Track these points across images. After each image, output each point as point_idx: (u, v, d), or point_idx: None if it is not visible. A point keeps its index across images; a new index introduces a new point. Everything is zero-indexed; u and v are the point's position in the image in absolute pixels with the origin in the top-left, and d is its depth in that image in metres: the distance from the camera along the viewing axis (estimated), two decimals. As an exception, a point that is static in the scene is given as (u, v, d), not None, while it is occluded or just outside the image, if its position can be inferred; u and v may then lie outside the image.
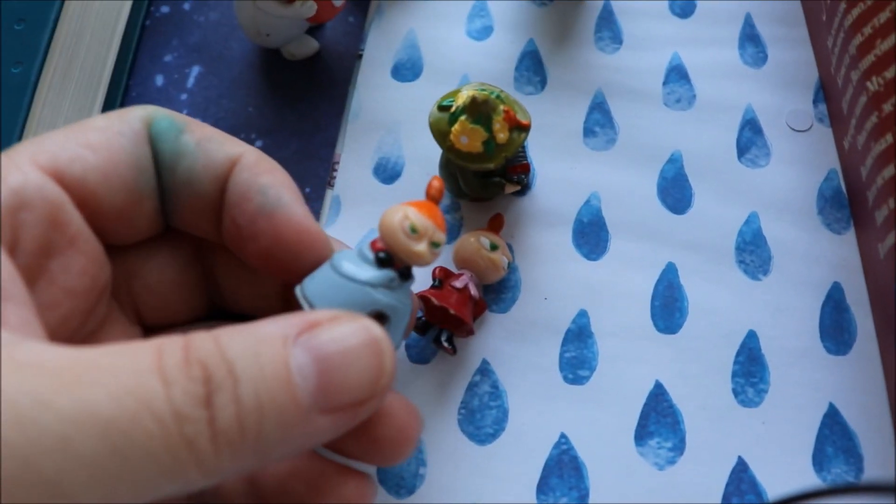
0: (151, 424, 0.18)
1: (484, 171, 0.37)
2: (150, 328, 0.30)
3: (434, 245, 0.26)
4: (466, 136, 0.34)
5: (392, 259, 0.26)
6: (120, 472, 0.18)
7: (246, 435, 0.20)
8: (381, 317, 0.25)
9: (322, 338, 0.22)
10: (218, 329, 0.21)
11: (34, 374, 0.18)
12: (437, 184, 0.28)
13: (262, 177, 0.27)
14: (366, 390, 0.22)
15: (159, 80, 0.45)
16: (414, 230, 0.26)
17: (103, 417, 0.18)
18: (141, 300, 0.29)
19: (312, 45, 0.45)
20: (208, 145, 0.27)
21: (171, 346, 0.20)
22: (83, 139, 0.25)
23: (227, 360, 0.20)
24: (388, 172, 0.41)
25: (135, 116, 0.27)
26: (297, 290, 0.26)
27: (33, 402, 0.18)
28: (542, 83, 0.44)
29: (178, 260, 0.30)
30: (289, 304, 0.29)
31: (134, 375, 0.19)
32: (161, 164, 0.27)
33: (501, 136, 0.34)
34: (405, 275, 0.26)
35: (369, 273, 0.25)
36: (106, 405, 0.18)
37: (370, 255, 0.26)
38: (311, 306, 0.25)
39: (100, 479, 0.18)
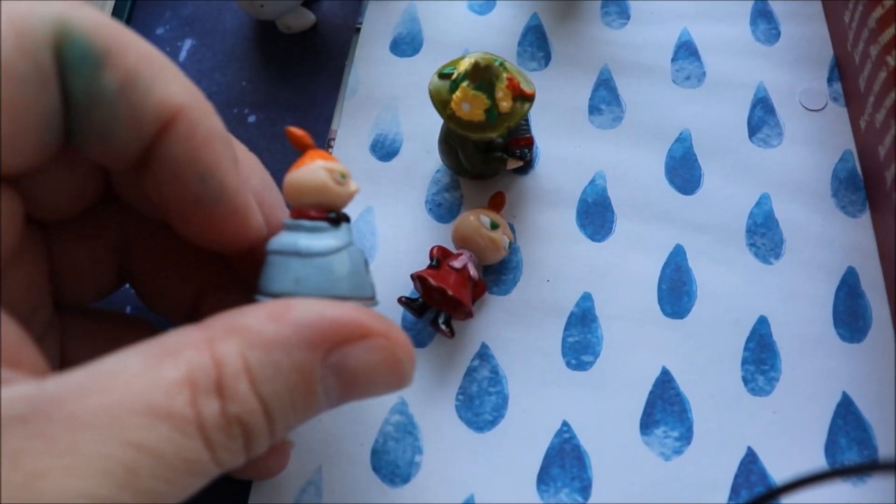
0: (196, 480, 0.19)
1: (486, 145, 0.35)
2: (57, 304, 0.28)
3: (336, 175, 0.26)
4: (468, 102, 0.33)
5: (338, 214, 0.26)
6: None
7: (269, 444, 0.22)
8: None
9: (349, 361, 0.22)
10: (243, 340, 0.21)
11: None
12: (296, 131, 0.26)
13: (202, 154, 0.23)
14: (385, 391, 0.24)
15: (150, 53, 0.44)
16: (343, 176, 0.26)
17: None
18: (57, 279, 0.28)
19: (309, 17, 0.44)
20: (134, 92, 0.22)
21: (204, 384, 0.20)
22: None
23: (264, 402, 0.20)
24: (385, 149, 0.40)
25: (40, 39, 0.20)
26: (260, 298, 0.25)
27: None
28: (546, 59, 0.42)
29: (97, 246, 0.28)
30: (198, 310, 0.30)
31: (171, 442, 0.19)
32: (72, 105, 0.22)
33: (504, 104, 0.33)
34: (347, 218, 0.26)
35: (335, 237, 0.25)
36: (151, 483, 0.18)
37: (313, 223, 0.25)
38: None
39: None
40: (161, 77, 0.22)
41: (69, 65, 0.21)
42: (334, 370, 0.22)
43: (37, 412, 0.18)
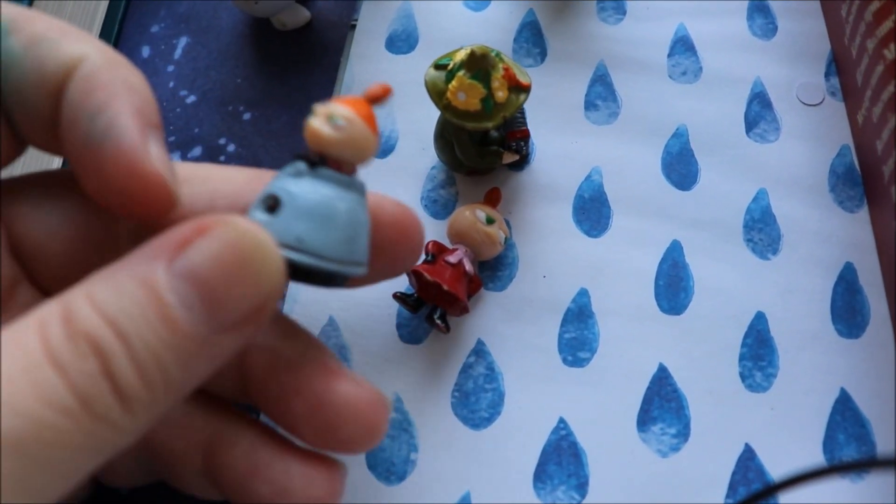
0: (61, 421, 0.18)
1: (482, 138, 0.35)
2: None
3: (330, 118, 0.23)
4: (464, 91, 0.33)
5: (308, 156, 0.23)
6: (39, 477, 0.18)
7: (153, 386, 0.19)
8: (273, 204, 0.22)
9: (193, 258, 0.20)
10: (90, 280, 0.20)
11: None
12: (375, 88, 0.24)
13: (95, 95, 0.22)
14: (258, 291, 0.20)
15: (146, 51, 0.44)
16: (312, 112, 0.23)
17: (10, 439, 0.17)
18: (41, 268, 0.26)
19: (304, 14, 0.43)
20: (39, 49, 0.22)
21: (50, 319, 0.19)
22: None
23: (109, 319, 0.19)
24: (381, 147, 0.40)
25: None
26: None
27: None
28: (542, 55, 0.42)
29: (80, 219, 0.26)
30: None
31: (25, 373, 0.18)
32: None
33: (500, 94, 0.33)
34: (310, 161, 0.23)
35: (297, 168, 0.23)
36: (8, 423, 0.17)
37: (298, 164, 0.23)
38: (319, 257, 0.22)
39: (19, 491, 0.17)
40: (68, 37, 0.22)
41: None
42: (183, 275, 0.20)
43: None
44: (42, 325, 0.19)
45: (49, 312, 0.19)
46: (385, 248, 0.26)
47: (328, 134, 0.22)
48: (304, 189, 0.22)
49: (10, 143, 0.24)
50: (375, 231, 0.25)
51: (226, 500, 0.27)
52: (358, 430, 0.25)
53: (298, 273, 0.22)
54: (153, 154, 0.22)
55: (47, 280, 0.26)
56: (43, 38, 0.22)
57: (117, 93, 0.22)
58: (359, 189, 0.24)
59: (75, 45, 0.22)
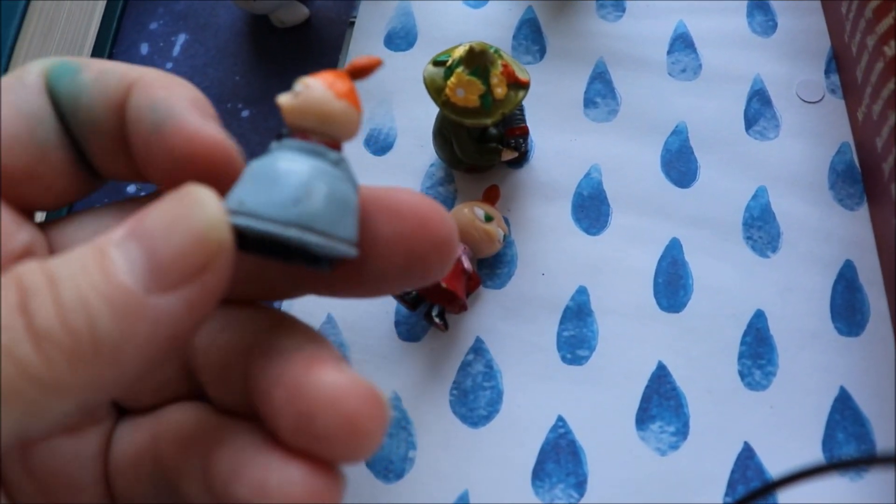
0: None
1: (480, 135, 0.35)
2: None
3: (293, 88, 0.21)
4: (463, 88, 0.32)
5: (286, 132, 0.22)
6: None
7: (77, 333, 0.18)
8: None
9: (145, 221, 0.19)
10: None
11: None
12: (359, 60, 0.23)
13: (156, 92, 0.23)
14: (198, 248, 0.19)
15: (144, 48, 0.44)
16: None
17: None
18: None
19: (302, 11, 0.43)
20: (106, 77, 0.24)
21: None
22: None
23: (47, 269, 0.18)
24: (379, 144, 0.40)
25: (30, 71, 0.24)
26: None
27: None
28: (541, 52, 0.42)
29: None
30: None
31: None
32: (63, 109, 0.24)
33: (499, 90, 0.33)
34: (279, 134, 0.22)
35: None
36: None
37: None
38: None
39: None
40: (130, 68, 0.23)
41: (53, 80, 0.23)
42: (131, 234, 0.19)
43: None
44: None
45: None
46: (401, 243, 0.25)
47: (285, 101, 0.22)
48: (262, 159, 0.21)
49: (75, 175, 0.25)
50: (388, 221, 0.24)
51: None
52: (336, 421, 0.23)
53: (252, 243, 0.21)
54: (213, 127, 0.22)
55: None
56: (108, 71, 0.23)
57: (174, 88, 0.23)
58: (331, 160, 0.22)
59: (135, 70, 0.23)
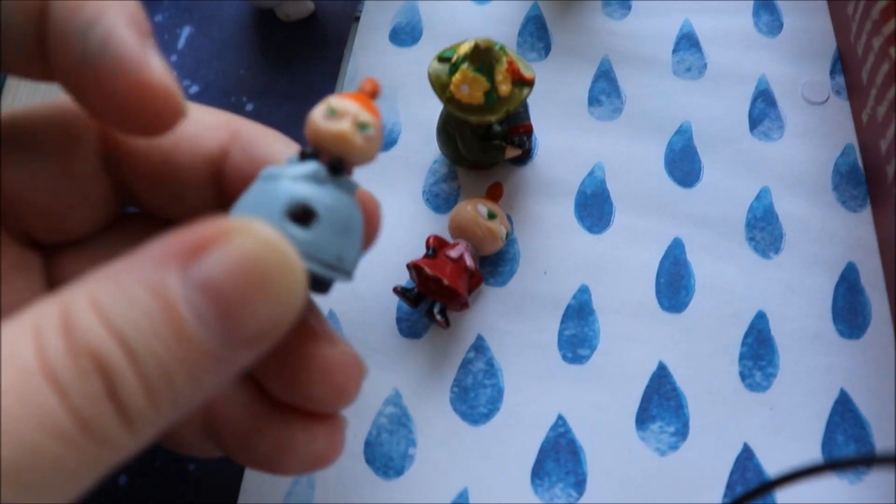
0: (59, 448, 0.16)
1: (484, 132, 0.35)
2: (46, 245, 0.25)
3: (362, 127, 0.21)
4: (468, 84, 0.32)
5: (318, 153, 0.22)
6: (36, 501, 0.16)
7: (160, 404, 0.18)
8: (305, 214, 0.21)
9: (210, 267, 0.18)
10: (92, 281, 0.18)
11: None
12: (371, 83, 0.23)
13: (83, 9, 0.20)
14: (278, 309, 0.19)
15: (148, 40, 0.44)
16: (333, 112, 0.21)
17: (8, 470, 0.15)
18: (30, 221, 0.24)
19: (308, 5, 0.43)
20: None
21: (48, 326, 0.17)
22: None
23: (116, 332, 0.17)
24: (384, 139, 0.39)
25: None
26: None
27: None
28: (546, 49, 0.42)
29: (77, 172, 0.24)
30: (223, 204, 0.25)
31: (22, 394, 0.16)
32: None
33: (504, 87, 0.33)
34: (336, 168, 0.22)
35: (287, 167, 0.21)
36: (7, 453, 0.15)
37: (296, 158, 0.22)
38: None
39: None
40: None
41: None
42: (200, 287, 0.18)
43: None
44: (38, 333, 0.17)
45: (46, 317, 0.17)
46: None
47: (360, 144, 0.21)
48: (335, 201, 0.21)
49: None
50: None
51: (226, 459, 0.26)
52: (327, 390, 0.24)
53: (315, 286, 0.21)
54: (155, 65, 0.21)
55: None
56: None
57: (108, 7, 0.20)
58: (353, 188, 0.23)
59: None
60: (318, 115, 0.21)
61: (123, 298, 0.17)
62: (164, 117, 0.21)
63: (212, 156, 0.24)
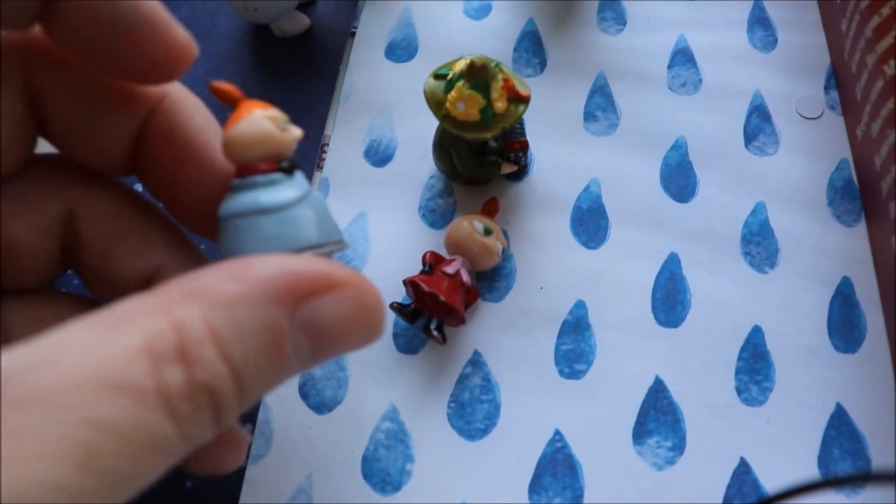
0: (165, 461, 0.18)
1: (480, 148, 0.35)
2: None
3: (284, 122, 0.24)
4: (463, 102, 0.32)
5: (290, 163, 0.24)
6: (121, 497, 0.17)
7: (238, 413, 0.20)
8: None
9: (320, 313, 0.20)
10: (203, 300, 0.19)
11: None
12: (221, 86, 0.24)
13: None
14: (365, 343, 0.22)
15: (144, 55, 0.44)
16: (286, 122, 0.24)
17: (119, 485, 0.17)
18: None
19: (303, 21, 0.43)
20: None
21: (165, 355, 0.18)
22: None
23: (233, 368, 0.19)
24: (379, 155, 0.40)
25: None
26: (221, 248, 0.24)
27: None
28: (542, 65, 0.42)
29: (38, 219, 0.25)
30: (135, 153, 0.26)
31: (142, 422, 0.17)
32: None
33: (499, 104, 0.33)
34: (289, 168, 0.24)
35: (293, 187, 0.23)
36: (120, 468, 0.17)
37: (266, 176, 0.23)
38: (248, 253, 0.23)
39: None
40: None
41: None
42: (303, 326, 0.20)
43: None
44: (154, 357, 0.18)
45: (161, 340, 0.18)
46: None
47: (283, 136, 0.24)
48: (311, 204, 0.24)
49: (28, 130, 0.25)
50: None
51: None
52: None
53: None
54: (176, 25, 0.24)
55: None
56: None
57: None
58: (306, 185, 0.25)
59: None
60: (276, 131, 0.23)
61: (239, 332, 0.19)
62: (182, 66, 0.24)
63: (139, 116, 0.25)
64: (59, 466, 0.16)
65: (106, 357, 0.17)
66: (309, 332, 0.20)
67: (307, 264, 0.21)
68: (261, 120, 0.23)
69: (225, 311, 0.19)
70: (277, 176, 0.23)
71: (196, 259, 0.27)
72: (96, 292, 0.28)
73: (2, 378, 0.16)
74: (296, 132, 0.24)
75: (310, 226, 0.23)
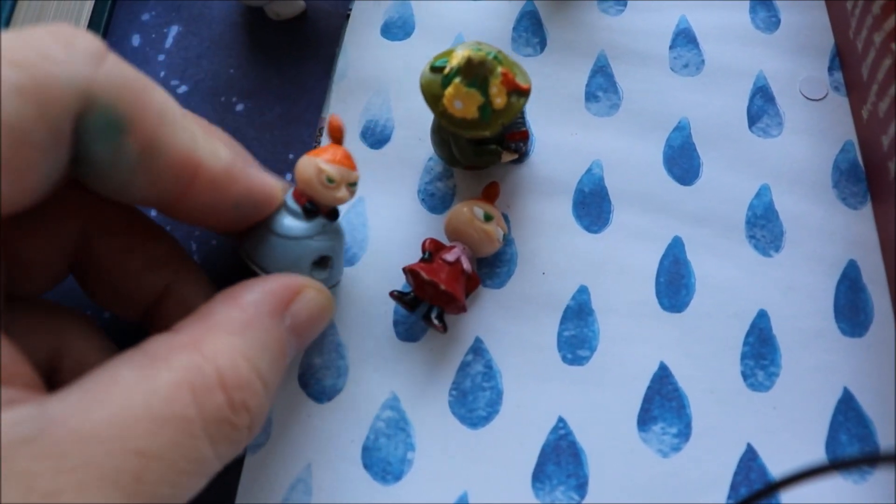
0: (202, 480, 0.22)
1: (479, 139, 0.34)
2: None
3: (351, 185, 0.30)
4: (461, 100, 0.31)
5: (318, 207, 0.29)
6: None
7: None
8: (324, 260, 0.30)
9: (297, 314, 0.26)
10: (230, 333, 0.23)
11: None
12: (335, 122, 0.30)
13: (235, 188, 0.27)
14: (322, 329, 0.29)
15: (136, 39, 0.43)
16: (331, 180, 0.29)
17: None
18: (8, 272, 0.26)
19: (298, 4, 0.42)
20: (151, 158, 0.24)
21: (209, 387, 0.22)
22: None
23: (262, 379, 0.23)
24: (375, 136, 0.39)
25: (63, 110, 0.21)
26: (244, 254, 0.29)
27: None
28: (542, 45, 0.41)
29: (56, 238, 0.28)
30: (159, 308, 0.29)
31: (182, 448, 0.20)
32: (91, 164, 0.23)
33: (499, 101, 0.32)
34: (333, 215, 0.30)
35: (303, 226, 0.29)
36: (162, 489, 0.20)
37: (297, 207, 0.29)
38: (264, 270, 0.28)
39: None
40: (180, 138, 0.25)
41: (92, 133, 0.22)
42: (293, 329, 0.26)
43: (42, 432, 0.18)
44: (193, 386, 0.21)
45: (202, 377, 0.21)
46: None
47: (352, 197, 0.31)
48: (338, 244, 0.31)
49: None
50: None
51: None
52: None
53: None
54: (279, 189, 0.30)
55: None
56: (156, 144, 0.24)
57: (247, 179, 0.27)
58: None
59: (190, 147, 0.25)
60: (317, 184, 0.29)
61: (261, 349, 0.24)
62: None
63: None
64: (111, 494, 0.18)
65: (149, 393, 0.20)
66: (295, 329, 0.26)
67: (277, 280, 0.26)
68: (309, 166, 0.29)
69: (244, 337, 0.23)
70: (299, 210, 0.29)
71: (198, 275, 0.30)
72: (103, 304, 0.30)
73: (61, 418, 0.19)
74: (338, 194, 0.29)
75: (302, 262, 0.29)
